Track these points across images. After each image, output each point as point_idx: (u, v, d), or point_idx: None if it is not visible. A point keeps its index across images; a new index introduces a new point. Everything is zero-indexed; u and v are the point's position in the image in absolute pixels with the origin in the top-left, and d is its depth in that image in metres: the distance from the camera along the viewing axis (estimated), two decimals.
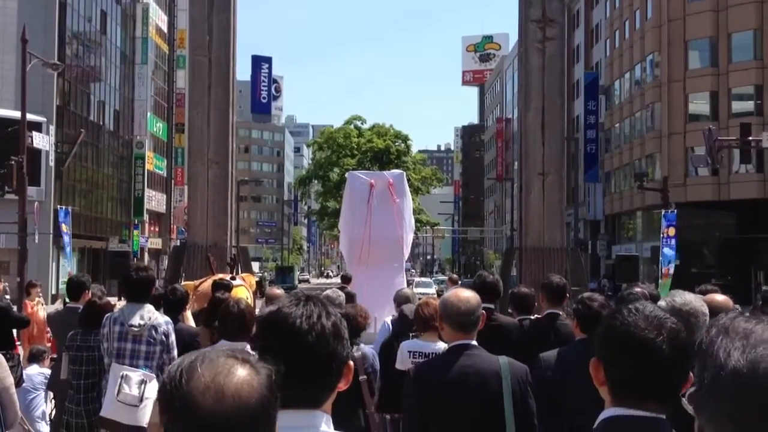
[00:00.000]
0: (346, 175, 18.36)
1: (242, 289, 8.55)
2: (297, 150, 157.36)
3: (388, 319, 8.01)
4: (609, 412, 1.86)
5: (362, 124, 66.20)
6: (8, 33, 39.45)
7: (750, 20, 42.65)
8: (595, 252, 54.48)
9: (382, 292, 13.07)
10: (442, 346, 5.50)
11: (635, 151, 50.74)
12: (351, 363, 1.77)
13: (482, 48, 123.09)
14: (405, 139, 64.98)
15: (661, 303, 3.68)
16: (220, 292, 7.06)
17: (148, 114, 59.15)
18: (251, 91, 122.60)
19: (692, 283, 7.93)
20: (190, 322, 7.15)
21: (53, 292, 39.20)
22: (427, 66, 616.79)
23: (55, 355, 7.69)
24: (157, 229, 64.37)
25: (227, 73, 18.31)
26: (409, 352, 5.67)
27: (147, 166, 58.26)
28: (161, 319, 5.77)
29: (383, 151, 61.95)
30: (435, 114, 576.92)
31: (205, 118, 18.09)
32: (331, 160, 63.05)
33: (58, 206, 20.85)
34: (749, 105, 43.22)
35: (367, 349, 6.29)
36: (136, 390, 5.48)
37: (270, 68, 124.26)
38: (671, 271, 17.77)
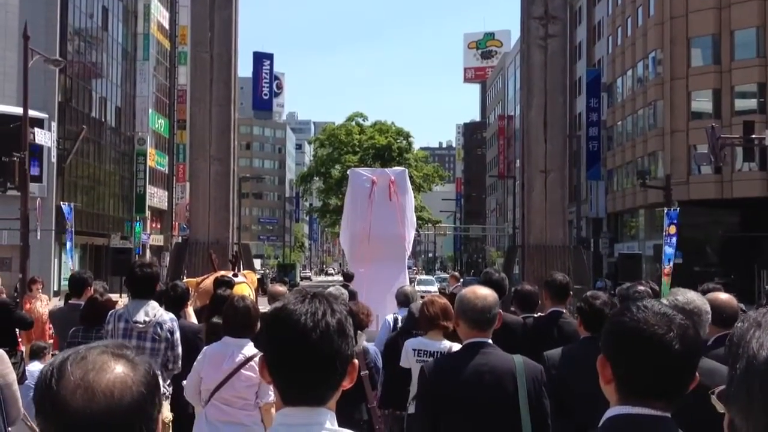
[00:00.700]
0: (348, 172, 18.35)
1: (244, 286, 8.55)
2: (298, 147, 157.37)
3: (390, 317, 8.01)
4: (615, 410, 1.85)
5: (364, 121, 66.20)
6: (10, 29, 39.46)
7: (753, 17, 42.56)
8: (597, 250, 54.42)
9: (384, 289, 13.07)
10: (447, 344, 5.49)
11: (638, 149, 50.68)
12: (356, 361, 1.77)
13: (484, 45, 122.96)
14: (407, 136, 64.95)
15: (663, 301, 3.67)
16: (221, 289, 7.07)
17: (150, 110, 59.15)
18: (253, 88, 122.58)
19: (695, 281, 7.94)
20: (192, 318, 7.15)
21: (55, 288, 39.21)
22: (429, 63, 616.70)
23: (56, 352, 7.69)
24: (158, 226, 64.40)
25: (229, 69, 18.32)
26: (414, 350, 5.66)
27: (149, 163, 58.28)
28: (166, 316, 5.77)
29: (385, 148, 61.93)
30: (437, 111, 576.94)
31: (206, 114, 18.10)
32: (332, 157, 63.05)
33: (62, 203, 20.83)
34: (752, 103, 43.14)
35: (369, 345, 6.30)
36: None
37: (271, 65, 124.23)
38: (670, 270, 17.74)
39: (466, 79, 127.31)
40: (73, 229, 19.69)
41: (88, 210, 46.73)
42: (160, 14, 63.94)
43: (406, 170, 17.79)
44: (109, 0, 52.51)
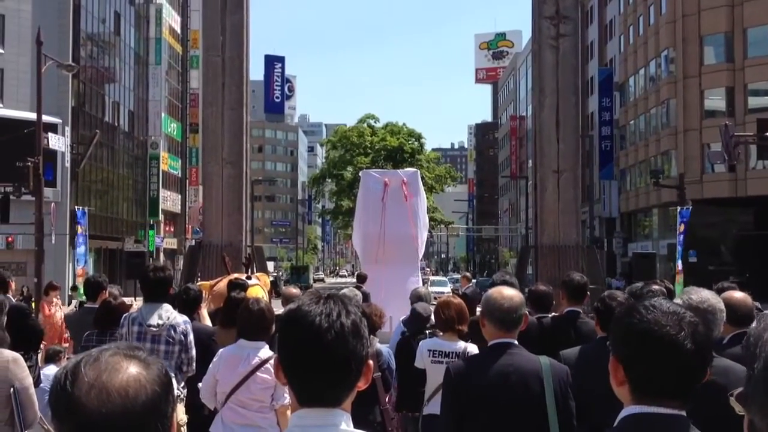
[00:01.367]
0: (360, 173, 18.37)
1: (258, 289, 8.56)
2: (310, 149, 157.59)
3: (402, 319, 8.01)
4: (630, 409, 1.85)
5: (375, 122, 66.20)
6: (23, 35, 39.70)
7: (766, 15, 42.28)
8: (610, 250, 54.20)
9: (397, 290, 13.08)
10: (462, 345, 5.49)
11: (651, 148, 50.47)
12: (371, 362, 1.77)
13: (495, 45, 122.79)
14: (418, 137, 64.92)
15: (678, 301, 3.66)
16: (235, 292, 7.08)
17: (163, 114, 59.39)
18: (264, 91, 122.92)
19: (709, 280, 7.89)
20: (207, 321, 7.17)
21: (70, 292, 39.40)
22: (440, 64, 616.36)
23: (71, 356, 7.73)
24: (172, 229, 64.63)
25: (240, 72, 18.37)
26: (429, 350, 5.65)
27: (162, 167, 58.49)
28: (180, 319, 5.79)
29: (397, 149, 61.92)
30: (448, 112, 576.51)
31: (219, 118, 18.15)
32: (344, 158, 63.10)
33: (76, 207, 20.94)
34: (766, 100, 42.86)
35: (382, 346, 6.30)
36: None
37: (283, 68, 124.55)
38: (680, 268, 17.67)
39: (478, 80, 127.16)
40: (86, 234, 19.79)
41: (101, 214, 46.95)
42: (171, 18, 64.20)
43: (418, 171, 17.80)
44: (121, 5, 52.77)
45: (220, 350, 5.14)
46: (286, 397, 4.61)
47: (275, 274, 42.79)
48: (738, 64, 43.52)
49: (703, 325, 1.88)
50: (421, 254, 16.54)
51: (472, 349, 5.41)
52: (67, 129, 40.87)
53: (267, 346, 4.91)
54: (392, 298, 11.98)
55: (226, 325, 6.43)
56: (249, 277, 9.24)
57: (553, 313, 6.33)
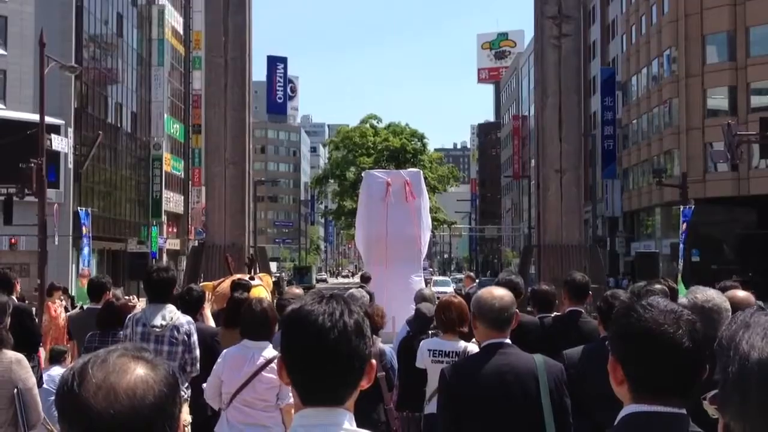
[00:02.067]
0: (363, 174, 18.38)
1: (261, 289, 8.57)
2: (313, 150, 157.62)
3: (407, 319, 8.01)
4: (629, 408, 1.85)
5: (378, 123, 66.21)
6: (26, 37, 39.75)
7: None
8: (613, 249, 54.17)
9: (400, 290, 13.10)
10: (463, 344, 5.48)
11: (653, 147, 50.42)
12: (373, 361, 1.77)
13: (497, 45, 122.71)
14: (421, 137, 64.92)
15: (683, 300, 3.66)
16: (238, 292, 7.09)
17: (165, 115, 59.44)
18: (267, 92, 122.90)
19: (712, 279, 7.87)
20: (210, 321, 7.17)
21: (73, 293, 39.45)
22: (443, 64, 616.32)
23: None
24: (175, 230, 64.66)
25: (243, 73, 18.37)
26: (429, 350, 5.65)
27: (164, 168, 58.54)
28: (183, 319, 5.79)
29: (399, 149, 61.92)
30: (451, 112, 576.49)
31: (221, 118, 18.16)
32: (347, 159, 63.12)
33: (79, 208, 20.96)
34: None
35: (384, 346, 6.31)
36: None
37: (285, 68, 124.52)
38: (680, 266, 17.64)
39: (480, 80, 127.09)
40: (90, 235, 19.80)
41: (104, 215, 46.99)
42: (174, 20, 64.24)
43: (421, 172, 17.81)
44: (124, 6, 52.82)
45: (225, 351, 5.15)
46: (291, 397, 4.61)
47: (278, 274, 42.77)
48: (740, 63, 43.46)
49: (703, 324, 1.88)
50: (424, 254, 16.55)
51: (473, 348, 5.41)
52: (70, 130, 40.92)
53: (271, 346, 4.92)
54: (395, 298, 12.00)
55: (230, 325, 6.44)
56: (252, 278, 9.25)
57: (555, 313, 6.33)
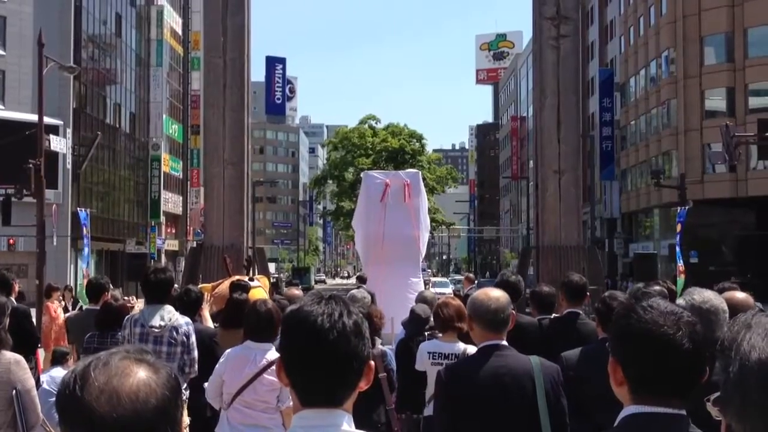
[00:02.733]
0: (362, 174, 18.36)
1: (260, 291, 8.57)
2: (312, 150, 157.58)
3: (402, 320, 8.02)
4: (630, 409, 1.86)
5: (377, 123, 66.20)
6: (25, 37, 39.74)
7: (766, 15, 42.26)
8: (612, 250, 54.18)
9: (399, 292, 13.10)
10: (462, 347, 5.49)
11: (651, 148, 50.46)
12: (372, 363, 1.77)
13: (496, 46, 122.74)
14: (419, 138, 64.91)
15: (680, 301, 3.66)
16: (237, 294, 7.09)
17: (164, 116, 59.43)
18: (266, 92, 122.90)
19: (711, 281, 7.87)
20: (209, 322, 7.17)
21: (78, 293, 39.44)
22: (441, 65, 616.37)
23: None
24: (173, 231, 64.64)
25: (242, 74, 18.36)
26: (429, 353, 5.65)
27: (163, 168, 58.52)
28: (182, 320, 5.80)
29: (398, 150, 61.92)
30: (449, 113, 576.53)
31: (220, 119, 18.15)
32: (346, 160, 63.11)
33: (78, 208, 20.95)
34: (767, 100, 42.85)
35: (386, 347, 6.31)
36: None
37: (284, 69, 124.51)
38: (682, 268, 17.66)
39: (479, 81, 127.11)
40: (89, 235, 19.79)
41: (103, 216, 46.97)
42: (173, 20, 64.24)
43: (420, 173, 17.79)
44: (123, 7, 52.81)
45: (227, 351, 5.15)
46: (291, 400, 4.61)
47: (277, 275, 42.76)
48: (738, 64, 43.51)
49: (701, 325, 1.89)
50: (422, 255, 16.53)
51: (472, 350, 5.42)
52: (69, 131, 40.92)
53: (274, 348, 4.92)
54: (394, 299, 11.99)
55: (228, 326, 6.44)
56: (251, 279, 9.25)
57: (554, 315, 6.34)
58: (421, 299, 7.82)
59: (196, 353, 5.76)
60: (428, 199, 20.96)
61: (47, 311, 11.23)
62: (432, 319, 6.22)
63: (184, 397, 5.85)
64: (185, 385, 5.88)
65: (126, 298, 7.82)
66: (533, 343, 5.22)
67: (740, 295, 4.26)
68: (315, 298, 1.77)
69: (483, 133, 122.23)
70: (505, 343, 3.63)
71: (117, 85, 52.00)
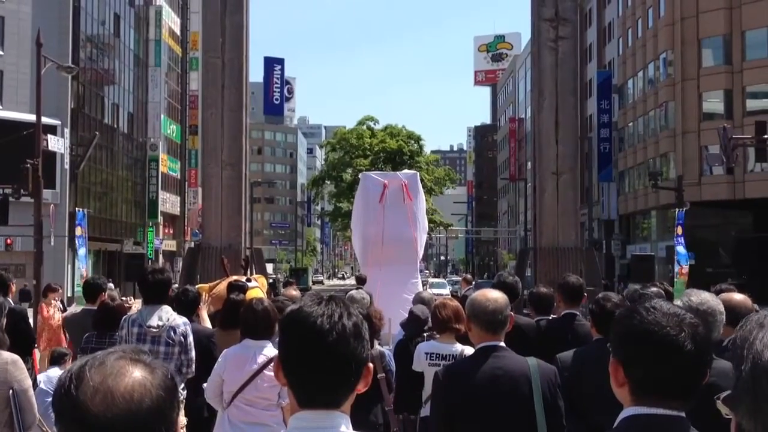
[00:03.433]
0: (360, 175, 18.36)
1: (257, 291, 8.57)
2: (310, 151, 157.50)
3: (400, 322, 8.01)
4: (630, 410, 1.85)
5: (375, 124, 66.19)
6: (23, 37, 39.71)
7: (764, 17, 42.32)
8: (609, 252, 54.20)
9: (397, 292, 13.09)
10: (459, 348, 5.49)
11: (649, 150, 50.50)
12: (370, 365, 1.77)
13: (494, 48, 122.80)
14: (418, 139, 64.91)
15: (678, 302, 3.66)
16: (235, 294, 7.09)
17: (162, 116, 59.38)
18: (264, 93, 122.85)
19: (708, 282, 7.88)
20: (206, 323, 7.17)
21: (69, 294, 39.39)
22: (440, 66, 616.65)
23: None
24: (171, 231, 64.60)
25: (240, 74, 18.37)
26: (426, 353, 5.65)
27: (161, 169, 58.47)
28: (179, 320, 5.79)
29: (396, 151, 61.91)
30: (447, 114, 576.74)
31: (218, 119, 18.16)
32: (344, 161, 63.10)
33: (75, 208, 20.93)
34: (764, 103, 42.90)
35: (384, 348, 6.31)
36: None
37: (282, 69, 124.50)
38: (685, 270, 17.66)
39: (477, 82, 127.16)
40: (86, 235, 19.76)
41: (101, 216, 46.94)
42: (171, 20, 64.22)
43: (418, 174, 17.79)
44: (121, 7, 52.78)
45: (225, 350, 5.16)
46: None
47: (274, 276, 42.72)
48: (736, 66, 43.56)
49: (703, 327, 1.89)
50: (420, 256, 16.53)
51: (469, 352, 5.42)
52: (67, 131, 40.88)
53: (271, 345, 4.93)
54: (391, 300, 11.98)
55: (226, 326, 6.44)
56: (249, 279, 9.25)
57: (552, 316, 6.34)
58: (419, 300, 7.82)
59: (193, 353, 5.76)
60: (426, 200, 20.98)
61: (40, 311, 11.20)
62: (430, 320, 6.22)
63: (182, 398, 5.84)
64: (182, 386, 5.88)
65: (124, 298, 7.82)
66: (531, 344, 5.22)
67: (738, 296, 4.27)
68: (315, 299, 1.77)
69: (481, 134, 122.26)
70: (502, 344, 3.63)
71: (115, 86, 51.97)
